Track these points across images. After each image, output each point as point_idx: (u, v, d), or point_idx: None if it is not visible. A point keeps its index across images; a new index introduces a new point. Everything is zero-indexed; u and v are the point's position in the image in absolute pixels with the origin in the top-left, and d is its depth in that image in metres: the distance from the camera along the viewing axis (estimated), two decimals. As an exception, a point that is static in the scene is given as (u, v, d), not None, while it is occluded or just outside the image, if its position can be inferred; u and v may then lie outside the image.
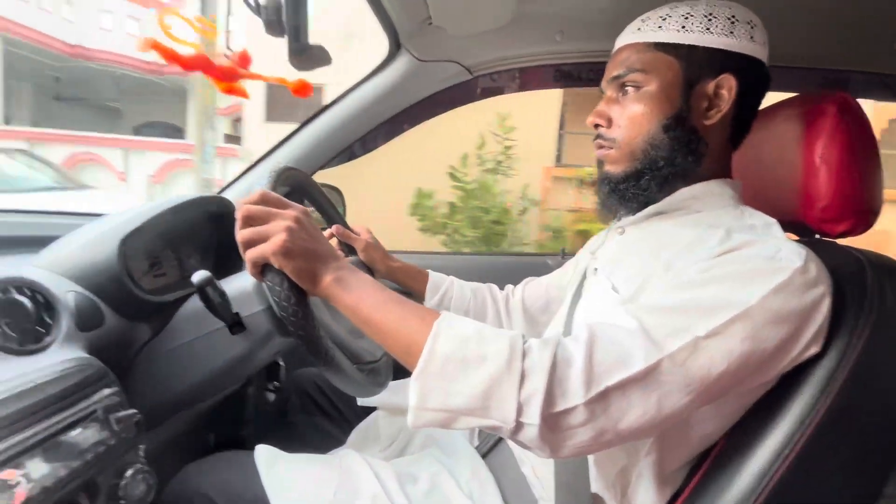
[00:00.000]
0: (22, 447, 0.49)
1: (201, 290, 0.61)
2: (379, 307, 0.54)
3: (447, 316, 0.52)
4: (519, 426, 0.46)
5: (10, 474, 0.46)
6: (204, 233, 0.95)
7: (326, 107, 1.20)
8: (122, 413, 0.60)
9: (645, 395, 0.47)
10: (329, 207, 0.99)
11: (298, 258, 0.53)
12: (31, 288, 0.60)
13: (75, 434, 0.54)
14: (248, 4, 0.67)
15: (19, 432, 0.49)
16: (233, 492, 0.69)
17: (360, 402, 0.96)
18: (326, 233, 0.98)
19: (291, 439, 0.76)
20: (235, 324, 0.68)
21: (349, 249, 1.01)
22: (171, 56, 0.58)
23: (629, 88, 0.65)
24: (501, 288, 1.03)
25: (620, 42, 0.68)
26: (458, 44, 1.09)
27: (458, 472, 0.71)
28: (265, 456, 0.70)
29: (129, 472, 0.60)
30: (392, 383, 0.79)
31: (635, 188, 0.66)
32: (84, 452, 0.55)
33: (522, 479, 0.69)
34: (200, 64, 0.62)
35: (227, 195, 1.13)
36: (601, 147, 0.68)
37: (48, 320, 0.61)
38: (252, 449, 0.73)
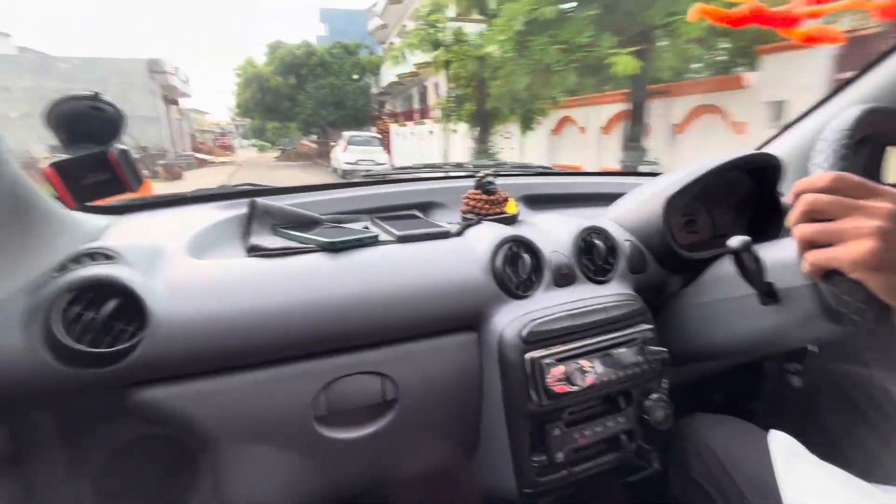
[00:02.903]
0: (592, 348, 0.69)
1: (737, 254, 0.60)
2: None
3: None
4: None
5: (586, 364, 0.67)
6: (740, 190, 0.91)
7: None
8: (654, 348, 0.72)
9: None
10: None
11: (893, 273, 0.39)
12: (604, 234, 0.81)
13: (621, 351, 0.71)
14: None
15: (592, 336, 0.70)
16: (737, 459, 0.68)
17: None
18: None
19: (808, 434, 0.64)
20: (768, 294, 0.63)
21: None
22: (720, 17, 0.54)
23: None
24: None
25: None
26: None
27: None
28: (783, 445, 0.63)
29: (653, 396, 0.72)
30: None
31: None
32: (626, 367, 0.71)
33: None
34: (755, 17, 0.54)
35: (773, 149, 1.01)
36: None
37: (611, 260, 0.80)
38: (760, 424, 0.69)
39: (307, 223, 0.83)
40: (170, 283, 0.57)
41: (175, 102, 23.53)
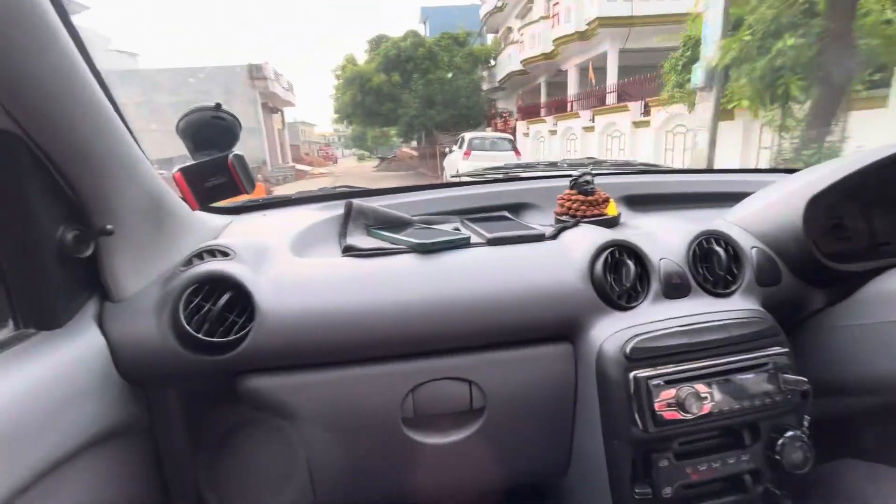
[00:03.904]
0: (709, 371, 0.60)
1: None
2: None
3: None
4: None
5: (702, 389, 0.59)
6: None
7: None
8: (792, 376, 0.60)
9: None
10: None
11: None
12: (724, 240, 0.70)
13: (747, 377, 0.60)
14: None
15: (709, 358, 0.61)
16: None
17: None
18: None
19: None
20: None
21: None
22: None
23: None
24: None
25: None
26: None
27: None
28: None
29: (789, 434, 0.60)
30: None
31: None
32: (752, 396, 0.60)
33: None
34: None
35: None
36: None
37: (734, 270, 0.69)
38: None
39: (399, 224, 0.84)
40: (275, 278, 0.60)
41: (276, 111, 21.53)
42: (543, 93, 15.37)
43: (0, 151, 0.42)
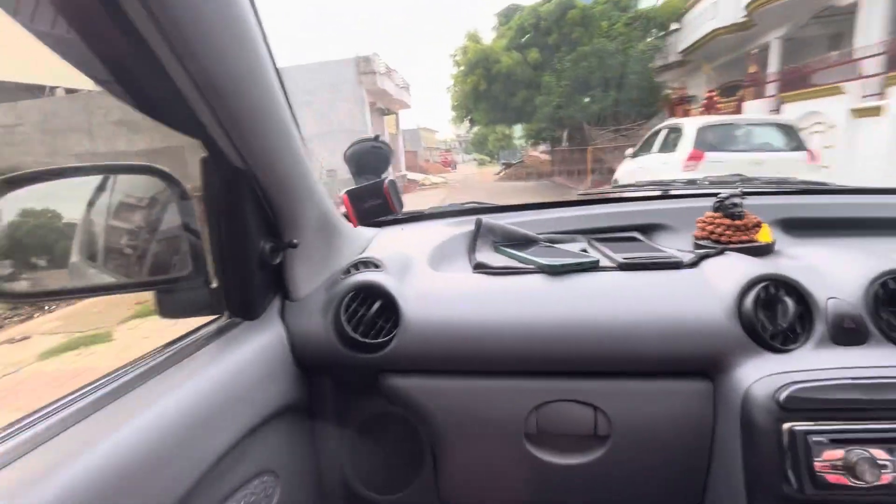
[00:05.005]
0: (888, 435, 0.51)
1: None
2: None
3: None
4: None
5: (881, 455, 0.50)
6: None
7: None
8: None
9: None
10: None
11: None
12: None
13: None
14: None
15: (891, 421, 0.52)
16: None
17: None
18: None
19: None
20: None
21: None
22: None
23: None
24: None
25: None
26: None
27: None
28: None
29: None
30: None
31: None
32: None
33: None
34: None
35: None
36: None
37: None
38: None
39: (524, 242, 0.86)
40: (417, 290, 0.68)
41: (388, 113, 17.79)
42: (776, 56, 9.43)
43: (237, 185, 0.55)
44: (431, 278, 0.72)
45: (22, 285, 0.61)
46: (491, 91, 15.19)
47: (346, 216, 0.72)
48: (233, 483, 0.54)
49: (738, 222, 0.78)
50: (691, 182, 1.12)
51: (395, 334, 0.64)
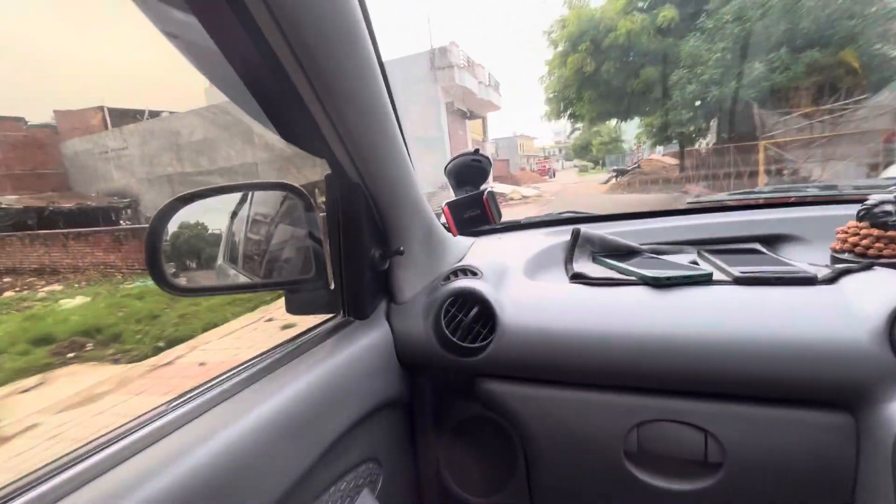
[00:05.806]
0: None
1: None
2: None
3: None
4: None
5: None
6: None
7: None
8: None
9: None
10: None
11: None
12: None
13: None
14: None
15: None
16: None
17: None
18: None
19: None
20: None
21: None
22: None
23: None
24: None
25: None
26: None
27: None
28: None
29: None
30: None
31: None
32: None
33: None
34: None
35: None
36: None
37: None
38: None
39: (625, 252, 0.83)
40: (513, 298, 0.69)
41: (470, 116, 14.84)
42: None
43: (353, 198, 0.62)
44: (527, 287, 0.73)
45: (182, 282, 0.74)
46: (600, 74, 10.64)
47: (447, 226, 0.76)
48: (342, 467, 0.60)
49: (891, 233, 0.67)
50: (829, 186, 0.98)
51: (492, 339, 0.66)
